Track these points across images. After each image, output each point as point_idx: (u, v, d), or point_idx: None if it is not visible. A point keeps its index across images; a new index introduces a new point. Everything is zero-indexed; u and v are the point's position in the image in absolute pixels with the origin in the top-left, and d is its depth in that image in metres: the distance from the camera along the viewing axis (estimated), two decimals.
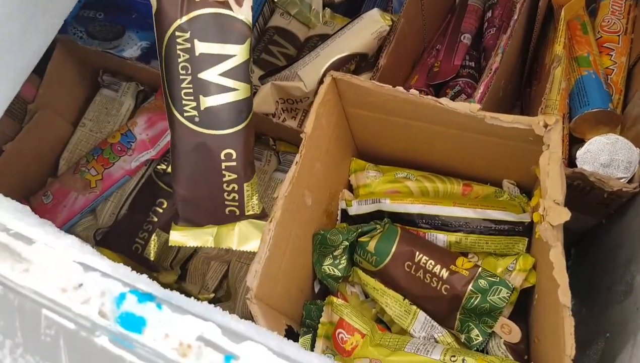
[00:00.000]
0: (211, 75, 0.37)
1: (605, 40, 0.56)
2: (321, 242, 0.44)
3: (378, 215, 0.48)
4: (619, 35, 0.56)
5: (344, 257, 0.44)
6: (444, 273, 0.41)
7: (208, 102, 0.38)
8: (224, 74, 0.37)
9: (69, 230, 0.55)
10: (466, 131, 0.42)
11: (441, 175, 0.50)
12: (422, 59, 0.62)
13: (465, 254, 0.46)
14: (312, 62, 0.55)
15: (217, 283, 0.52)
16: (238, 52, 0.37)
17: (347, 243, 0.44)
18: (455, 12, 0.65)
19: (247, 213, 0.42)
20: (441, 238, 0.45)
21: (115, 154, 0.53)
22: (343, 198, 0.50)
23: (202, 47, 0.37)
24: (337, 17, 0.66)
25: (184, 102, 0.37)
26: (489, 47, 0.59)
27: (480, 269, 0.41)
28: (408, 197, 0.48)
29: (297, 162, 0.39)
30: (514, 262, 0.41)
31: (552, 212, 0.33)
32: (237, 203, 0.41)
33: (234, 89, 0.38)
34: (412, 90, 0.40)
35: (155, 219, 0.49)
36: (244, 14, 0.37)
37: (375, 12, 0.54)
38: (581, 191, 0.45)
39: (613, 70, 0.54)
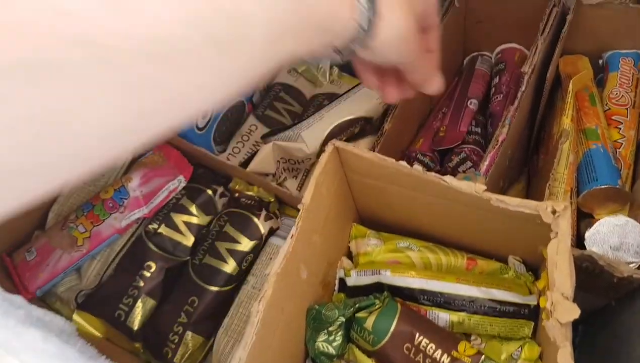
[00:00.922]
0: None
1: (613, 113, 0.55)
2: (315, 317, 0.42)
3: (377, 287, 0.46)
4: (627, 108, 0.55)
5: (339, 333, 0.42)
6: (445, 360, 0.39)
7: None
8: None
9: (51, 290, 0.54)
10: (471, 207, 0.40)
11: (445, 247, 0.48)
12: (428, 122, 0.61)
13: (468, 335, 0.43)
14: (315, 123, 0.54)
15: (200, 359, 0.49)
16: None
17: (344, 319, 0.42)
18: (463, 75, 0.64)
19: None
20: (443, 317, 0.43)
21: (107, 210, 0.52)
22: (342, 267, 0.48)
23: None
24: (344, 76, 0.66)
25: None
26: (496, 113, 0.59)
27: (483, 357, 0.39)
28: (410, 269, 0.46)
29: (292, 236, 0.37)
30: (519, 349, 0.39)
31: (561, 308, 0.32)
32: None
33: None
34: (416, 166, 0.39)
35: (142, 284, 0.47)
36: None
37: None
38: (590, 273, 0.43)
39: (621, 143, 0.53)
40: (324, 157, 0.41)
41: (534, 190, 0.55)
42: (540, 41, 0.52)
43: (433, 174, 0.39)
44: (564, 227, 0.34)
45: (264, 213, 0.50)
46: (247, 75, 0.22)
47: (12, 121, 0.16)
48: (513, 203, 0.36)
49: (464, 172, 0.56)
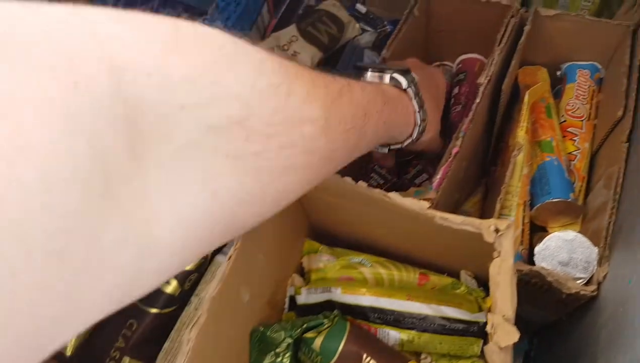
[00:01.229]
0: None
1: (569, 125, 0.55)
2: (261, 339, 0.40)
3: (328, 305, 0.45)
4: (582, 121, 0.55)
5: (287, 355, 0.41)
6: None
7: None
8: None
9: None
10: (418, 223, 0.40)
11: (397, 262, 0.47)
12: None
13: (418, 354, 0.43)
14: None
15: None
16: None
17: (291, 340, 0.40)
18: None
19: None
20: (394, 335, 0.42)
21: None
22: (292, 285, 0.47)
23: None
24: None
25: None
26: (455, 124, 0.58)
27: None
28: (361, 287, 0.45)
29: (230, 257, 0.36)
30: None
31: (501, 331, 0.31)
32: None
33: None
34: (361, 182, 0.38)
35: (123, 344, 0.44)
36: None
37: None
38: (539, 289, 0.43)
39: (576, 156, 0.53)
40: None
41: (489, 202, 0.54)
42: (496, 52, 0.51)
43: (378, 190, 0.38)
44: (506, 246, 0.34)
45: None
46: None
47: None
48: (456, 221, 0.35)
49: (419, 185, 0.55)
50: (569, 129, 0.55)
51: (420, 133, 0.42)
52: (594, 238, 0.44)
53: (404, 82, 0.39)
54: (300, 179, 0.26)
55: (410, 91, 0.40)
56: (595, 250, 0.41)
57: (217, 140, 0.19)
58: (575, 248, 0.41)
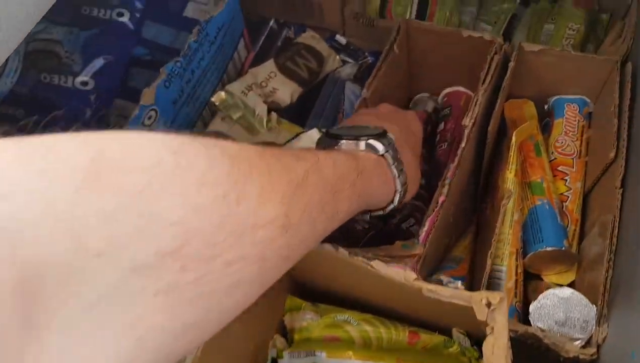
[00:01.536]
0: None
1: (559, 163, 0.53)
2: None
3: None
4: (573, 158, 0.53)
5: None
6: None
7: None
8: None
9: None
10: (405, 291, 0.37)
11: (386, 320, 0.44)
12: None
13: None
14: None
15: None
16: None
17: None
18: None
19: None
20: None
21: None
22: (274, 347, 0.44)
23: None
24: (283, 122, 0.62)
25: None
26: (441, 163, 0.56)
27: None
28: (347, 349, 0.42)
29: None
30: None
31: None
32: None
33: None
34: (341, 250, 0.36)
35: None
36: None
37: (314, 133, 0.50)
38: (536, 349, 0.41)
39: (568, 196, 0.51)
40: None
41: (480, 245, 0.52)
42: (480, 92, 0.49)
43: (360, 258, 0.35)
44: (500, 322, 0.31)
45: None
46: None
47: None
48: (445, 294, 0.33)
49: (406, 229, 0.53)
50: (559, 168, 0.53)
51: (402, 197, 0.39)
52: (590, 293, 0.42)
53: (380, 148, 0.36)
54: (251, 291, 0.23)
55: (389, 156, 0.37)
56: (594, 309, 0.39)
57: (142, 281, 0.17)
58: (572, 307, 0.39)
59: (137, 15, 0.58)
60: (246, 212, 0.20)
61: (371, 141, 0.36)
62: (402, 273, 0.34)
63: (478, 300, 0.32)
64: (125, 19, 0.58)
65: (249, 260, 0.21)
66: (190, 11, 0.59)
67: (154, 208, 0.17)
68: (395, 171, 0.37)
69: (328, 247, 0.36)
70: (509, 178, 0.48)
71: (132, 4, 0.58)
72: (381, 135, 0.37)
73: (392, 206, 0.39)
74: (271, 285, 0.24)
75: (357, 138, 0.36)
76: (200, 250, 0.18)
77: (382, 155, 0.36)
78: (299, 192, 0.24)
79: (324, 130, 0.41)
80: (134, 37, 0.58)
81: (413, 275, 0.33)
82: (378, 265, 0.35)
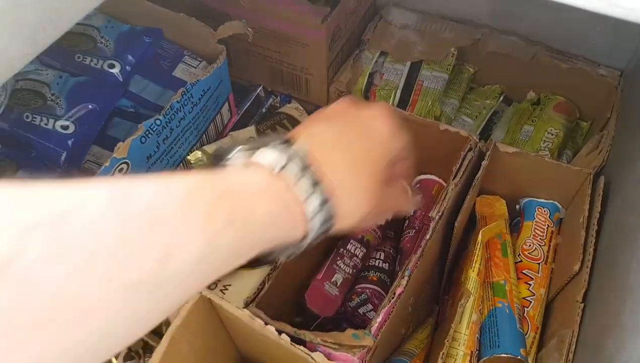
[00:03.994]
0: None
1: (524, 266, 0.52)
2: None
3: None
4: (539, 264, 0.52)
5: None
6: None
7: None
8: None
9: None
10: None
11: None
12: (336, 250, 0.57)
13: None
14: None
15: None
16: None
17: None
18: None
19: None
20: None
21: None
22: None
23: None
24: None
25: None
26: (406, 250, 0.55)
27: None
28: None
29: None
30: None
31: None
32: None
33: None
34: (284, 336, 0.34)
35: None
36: None
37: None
38: None
39: (530, 302, 0.50)
40: (185, 308, 0.36)
41: (436, 342, 0.50)
42: (451, 187, 0.49)
43: (301, 348, 0.34)
44: None
45: (124, 351, 0.43)
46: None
47: None
48: None
49: (364, 314, 0.51)
50: (524, 271, 0.52)
51: (327, 224, 0.28)
52: None
53: (271, 160, 0.27)
54: None
55: (289, 173, 0.27)
56: None
57: None
58: None
59: (128, 68, 0.59)
60: None
61: (259, 156, 0.27)
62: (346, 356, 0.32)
63: None
64: (115, 70, 0.58)
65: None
66: (179, 72, 0.60)
67: None
68: (301, 192, 0.27)
69: (271, 330, 0.35)
70: (471, 277, 0.47)
71: (125, 58, 0.58)
72: (280, 147, 0.27)
73: (307, 240, 0.28)
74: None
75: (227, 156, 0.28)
76: None
77: (279, 173, 0.26)
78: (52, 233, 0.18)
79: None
80: (121, 88, 0.59)
81: None
82: (319, 358, 0.33)
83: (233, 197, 0.24)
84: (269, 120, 0.63)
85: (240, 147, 0.29)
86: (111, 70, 0.59)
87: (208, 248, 0.22)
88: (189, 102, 0.54)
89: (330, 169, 0.28)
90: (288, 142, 0.28)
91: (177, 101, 0.53)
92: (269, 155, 0.27)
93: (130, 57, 0.58)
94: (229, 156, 0.29)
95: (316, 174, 0.27)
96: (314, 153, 0.28)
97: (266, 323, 0.35)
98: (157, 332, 0.44)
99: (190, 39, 0.61)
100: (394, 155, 0.34)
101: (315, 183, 0.27)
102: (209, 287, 0.52)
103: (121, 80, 0.59)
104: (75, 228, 0.18)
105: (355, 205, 0.30)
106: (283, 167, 0.27)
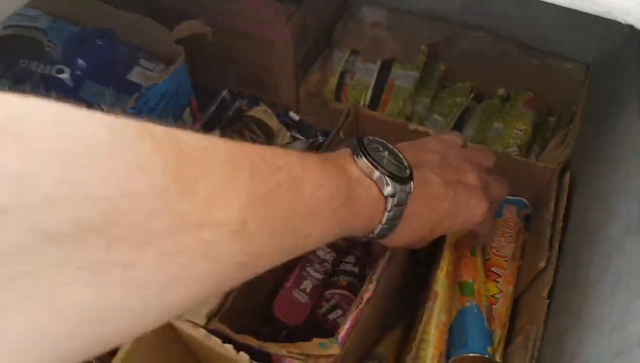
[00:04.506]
0: None
1: (493, 264, 0.53)
2: None
3: None
4: (507, 261, 0.53)
5: None
6: None
7: None
8: None
9: None
10: None
11: None
12: (305, 256, 0.57)
13: None
14: None
15: None
16: None
17: None
18: None
19: None
20: None
21: None
22: None
23: None
24: None
25: None
26: (376, 253, 0.55)
27: None
28: None
29: None
30: None
31: None
32: None
33: None
34: (242, 354, 0.34)
35: None
36: None
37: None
38: None
39: (498, 299, 0.50)
40: None
41: (407, 341, 0.50)
42: None
43: None
44: None
45: None
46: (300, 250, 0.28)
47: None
48: None
49: (334, 319, 0.51)
50: (492, 269, 0.52)
51: (382, 234, 0.36)
52: None
53: (388, 190, 0.33)
54: (197, 290, 0.22)
55: (390, 202, 0.34)
56: None
57: (60, 252, 0.16)
58: None
59: (79, 73, 0.56)
60: (191, 209, 0.20)
61: (388, 179, 0.33)
62: None
63: None
64: (65, 76, 0.56)
65: (192, 257, 0.20)
66: (135, 75, 0.58)
67: (76, 178, 0.16)
68: (385, 219, 0.34)
69: (229, 348, 0.34)
70: (439, 278, 0.47)
71: (75, 62, 0.56)
72: (402, 180, 0.34)
73: (370, 236, 0.36)
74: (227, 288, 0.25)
75: (376, 165, 0.33)
76: (129, 234, 0.18)
77: (385, 197, 0.34)
78: (264, 203, 0.23)
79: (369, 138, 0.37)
80: (70, 95, 0.56)
81: None
82: None
83: (350, 203, 0.31)
84: (236, 124, 0.63)
85: (371, 155, 0.34)
86: (60, 76, 0.56)
87: (326, 234, 0.30)
88: (146, 107, 0.53)
89: (410, 209, 0.35)
90: (409, 178, 0.35)
91: (132, 108, 0.51)
92: (389, 185, 0.33)
93: (81, 62, 0.56)
94: (360, 160, 0.34)
95: (404, 211, 0.35)
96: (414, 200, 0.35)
97: (224, 342, 0.34)
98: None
99: (146, 40, 0.59)
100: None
101: (394, 221, 0.35)
102: None
103: (71, 86, 0.56)
104: (292, 199, 0.26)
105: (410, 233, 0.38)
106: (391, 196, 0.34)
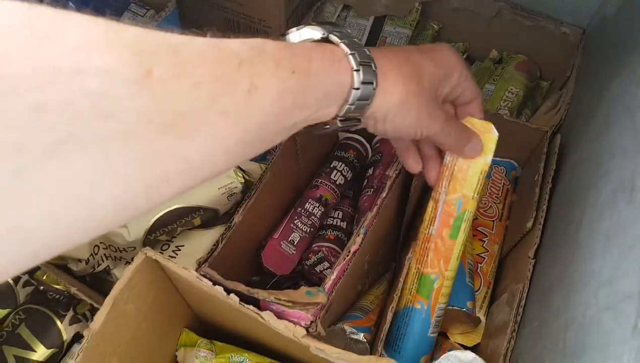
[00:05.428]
0: None
1: (479, 224, 0.53)
2: None
3: None
4: (493, 221, 0.53)
5: None
6: None
7: None
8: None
9: None
10: (295, 346, 0.35)
11: None
12: (294, 209, 0.56)
13: None
14: None
15: None
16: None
17: None
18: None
19: None
20: None
21: None
22: None
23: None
24: None
25: None
26: (364, 209, 0.55)
27: None
28: None
29: None
30: None
31: None
32: None
33: None
34: (232, 296, 0.34)
35: None
36: None
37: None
38: None
39: (484, 258, 0.51)
40: (129, 270, 0.35)
41: (389, 294, 0.51)
42: None
43: (251, 307, 0.33)
44: None
45: (70, 314, 0.42)
46: (257, 145, 0.25)
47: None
48: (333, 354, 0.31)
49: (321, 271, 0.51)
50: (479, 228, 0.52)
51: (368, 84, 0.30)
52: (492, 360, 0.41)
53: (347, 50, 0.29)
54: (110, 160, 0.18)
55: (344, 45, 0.29)
56: None
57: None
58: None
59: None
60: (62, 51, 0.17)
61: (332, 36, 0.30)
62: (291, 328, 0.32)
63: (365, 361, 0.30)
64: None
65: (78, 112, 0.17)
66: (125, 21, 0.56)
67: None
68: (352, 61, 0.29)
69: (219, 290, 0.34)
70: (422, 233, 0.47)
71: (65, 5, 0.54)
72: (358, 45, 0.30)
73: (346, 107, 0.29)
74: (153, 166, 0.20)
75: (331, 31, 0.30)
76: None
77: (338, 45, 0.29)
78: (171, 51, 0.20)
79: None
80: None
81: (302, 332, 0.32)
82: (268, 316, 0.33)
83: (292, 50, 0.27)
84: None
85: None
86: None
87: (280, 89, 0.25)
88: None
89: (386, 59, 0.31)
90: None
91: None
92: (334, 37, 0.30)
93: (70, 4, 0.54)
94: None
95: (377, 65, 0.30)
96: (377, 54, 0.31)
97: (214, 284, 0.34)
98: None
99: None
100: (455, 83, 0.38)
101: (366, 62, 0.30)
102: (161, 248, 0.51)
103: None
104: (187, 57, 0.21)
105: (401, 83, 0.32)
106: (342, 43, 0.29)
